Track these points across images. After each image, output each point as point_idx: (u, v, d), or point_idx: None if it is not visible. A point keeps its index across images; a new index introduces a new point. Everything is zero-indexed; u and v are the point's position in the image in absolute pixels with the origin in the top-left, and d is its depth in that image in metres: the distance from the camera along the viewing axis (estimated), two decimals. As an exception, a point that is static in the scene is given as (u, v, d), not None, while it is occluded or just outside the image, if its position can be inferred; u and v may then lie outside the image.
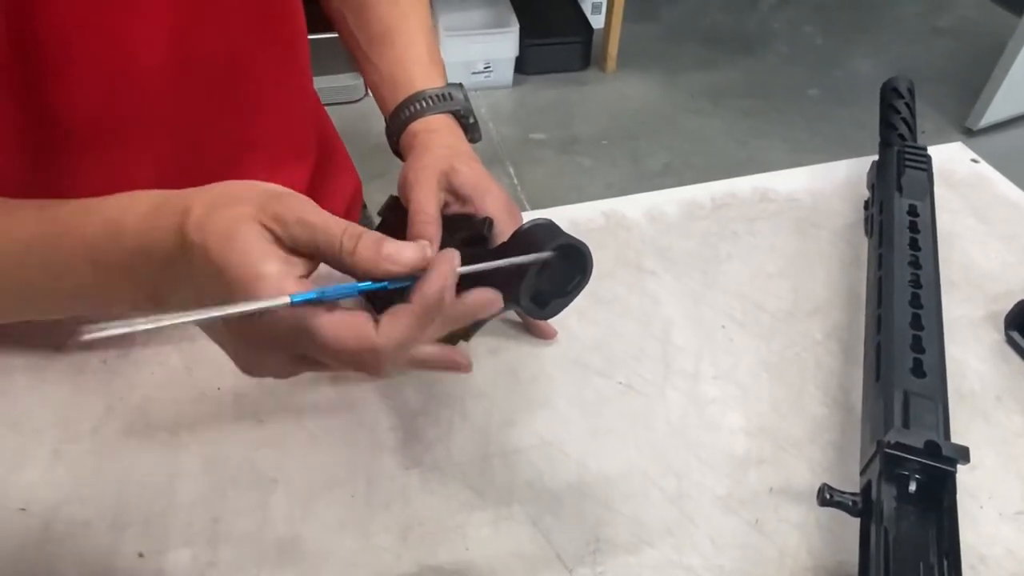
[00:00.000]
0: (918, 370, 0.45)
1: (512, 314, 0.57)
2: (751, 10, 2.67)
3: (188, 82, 0.48)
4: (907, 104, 0.67)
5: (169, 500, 0.46)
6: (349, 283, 0.31)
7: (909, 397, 0.44)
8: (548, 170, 1.99)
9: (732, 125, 2.15)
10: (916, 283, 0.51)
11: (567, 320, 0.56)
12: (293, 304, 0.29)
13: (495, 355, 0.55)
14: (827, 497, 0.40)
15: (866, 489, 0.41)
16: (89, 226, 0.35)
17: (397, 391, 0.52)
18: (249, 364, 0.34)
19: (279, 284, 0.30)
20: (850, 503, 0.40)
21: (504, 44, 2.16)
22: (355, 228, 0.32)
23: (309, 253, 0.32)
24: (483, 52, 2.16)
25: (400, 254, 0.31)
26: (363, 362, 0.31)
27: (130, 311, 0.37)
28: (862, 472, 0.43)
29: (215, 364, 0.53)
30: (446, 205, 0.48)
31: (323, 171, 0.65)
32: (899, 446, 0.40)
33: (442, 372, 0.50)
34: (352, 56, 0.58)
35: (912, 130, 0.65)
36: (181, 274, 0.32)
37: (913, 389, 0.44)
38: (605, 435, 0.50)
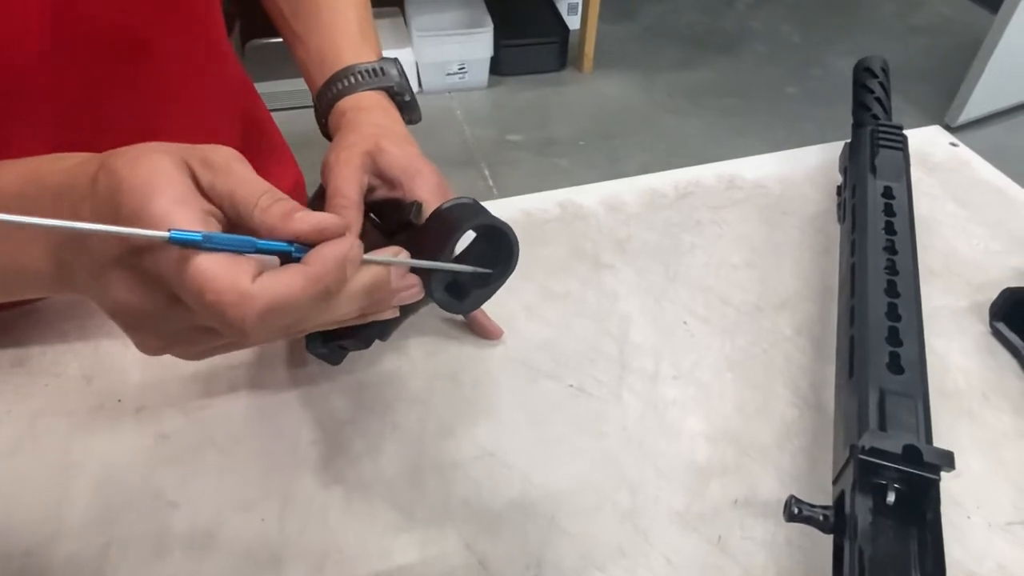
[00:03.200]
0: (895, 365, 0.41)
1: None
2: (728, 10, 2.65)
3: (75, 58, 0.43)
4: (881, 84, 0.62)
5: (55, 528, 0.40)
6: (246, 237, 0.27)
7: (885, 396, 0.39)
8: (524, 172, 1.95)
9: (710, 125, 2.12)
10: (892, 270, 0.46)
11: (514, 318, 0.51)
12: (172, 240, 0.25)
13: (433, 357, 0.49)
14: (795, 512, 0.35)
15: (839, 501, 0.36)
16: (3, 176, 0.31)
17: (323, 400, 0.47)
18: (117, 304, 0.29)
19: (173, 207, 0.26)
20: (820, 518, 0.35)
21: (479, 45, 2.13)
22: (279, 192, 0.29)
23: (219, 203, 0.28)
24: (457, 53, 2.13)
25: (312, 214, 0.28)
26: (226, 310, 0.26)
27: (33, 284, 0.33)
28: (835, 481, 0.39)
29: (118, 374, 0.48)
30: (372, 190, 0.43)
31: (254, 162, 0.60)
32: (875, 452, 0.35)
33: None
34: (279, 31, 0.53)
35: (887, 110, 0.61)
36: (84, 207, 0.28)
37: (890, 387, 0.40)
38: (553, 444, 0.45)
